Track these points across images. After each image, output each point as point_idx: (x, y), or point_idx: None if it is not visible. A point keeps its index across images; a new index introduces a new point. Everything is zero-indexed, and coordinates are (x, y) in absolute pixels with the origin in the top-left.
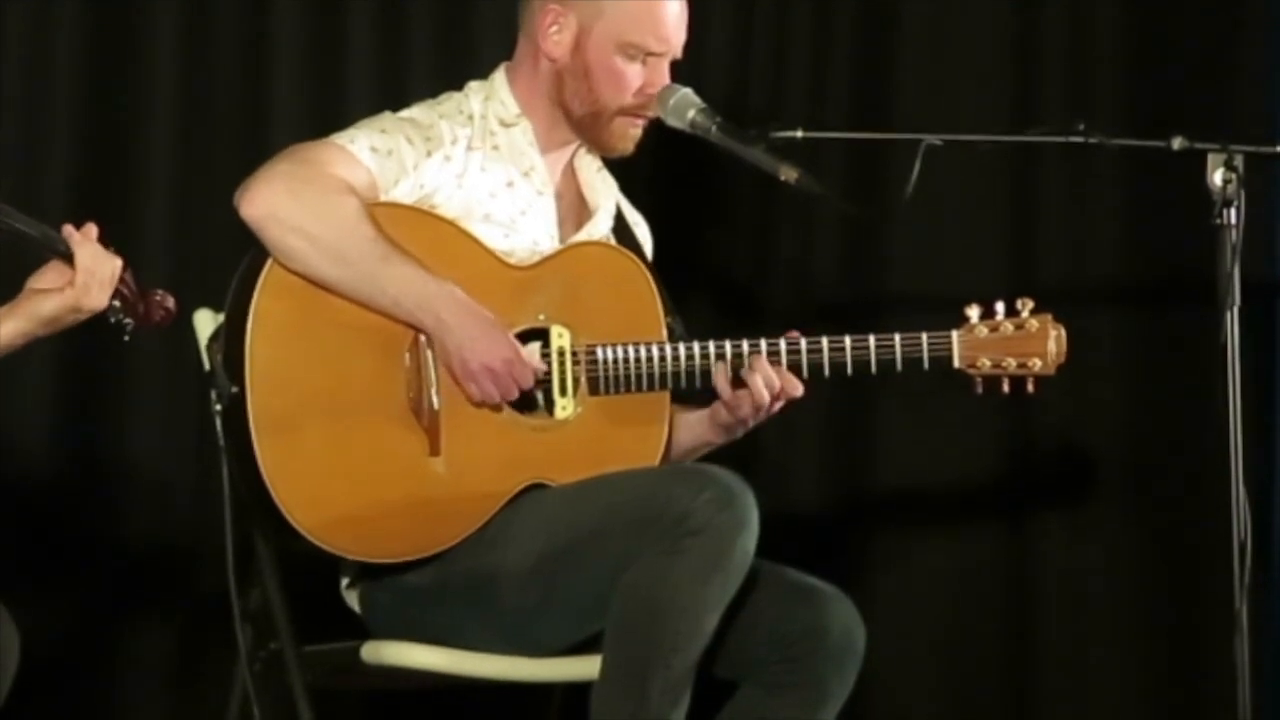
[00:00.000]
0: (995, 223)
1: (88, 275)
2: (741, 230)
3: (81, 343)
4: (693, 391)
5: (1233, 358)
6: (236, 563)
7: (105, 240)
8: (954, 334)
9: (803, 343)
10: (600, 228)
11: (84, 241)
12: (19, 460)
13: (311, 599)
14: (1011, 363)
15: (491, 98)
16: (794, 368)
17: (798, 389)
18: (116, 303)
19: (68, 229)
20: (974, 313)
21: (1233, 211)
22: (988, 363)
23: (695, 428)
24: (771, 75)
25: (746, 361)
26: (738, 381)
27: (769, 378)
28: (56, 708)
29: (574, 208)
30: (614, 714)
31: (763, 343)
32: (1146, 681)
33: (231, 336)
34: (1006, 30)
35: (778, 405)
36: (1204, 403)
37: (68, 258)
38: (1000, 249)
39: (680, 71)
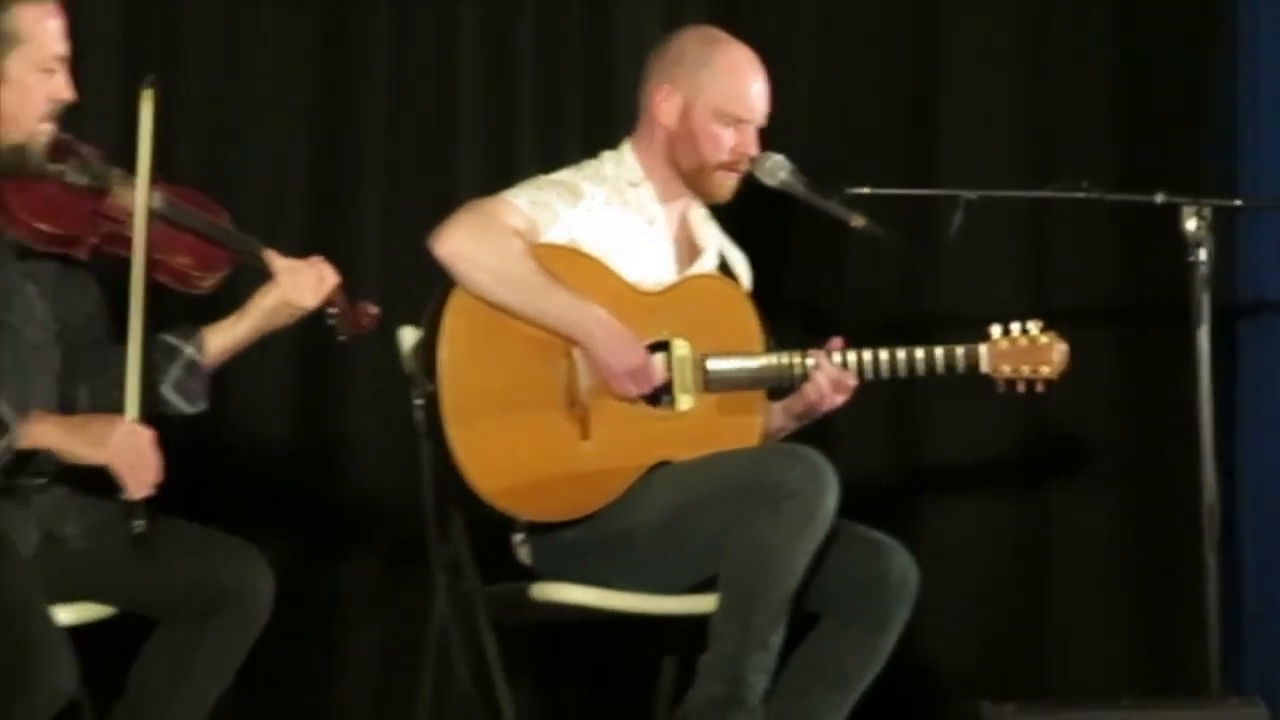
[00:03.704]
0: (1015, 258)
1: (288, 275)
2: (820, 264)
3: (313, 348)
4: (783, 390)
5: (1203, 365)
6: (434, 522)
7: (333, 263)
8: (982, 346)
9: (868, 353)
10: (708, 263)
11: (290, 261)
12: (265, 438)
13: (490, 552)
14: (1026, 369)
15: (621, 164)
16: (862, 371)
17: (851, 380)
18: (332, 310)
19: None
20: (997, 330)
21: (1202, 250)
22: (1008, 369)
23: (775, 417)
24: (843, 138)
25: (816, 363)
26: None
27: (828, 372)
28: (292, 634)
29: (687, 248)
30: (728, 638)
31: (823, 352)
32: (1135, 616)
33: (427, 347)
34: (1021, 102)
35: (840, 398)
36: (1181, 400)
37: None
38: (1019, 279)
39: (772, 137)
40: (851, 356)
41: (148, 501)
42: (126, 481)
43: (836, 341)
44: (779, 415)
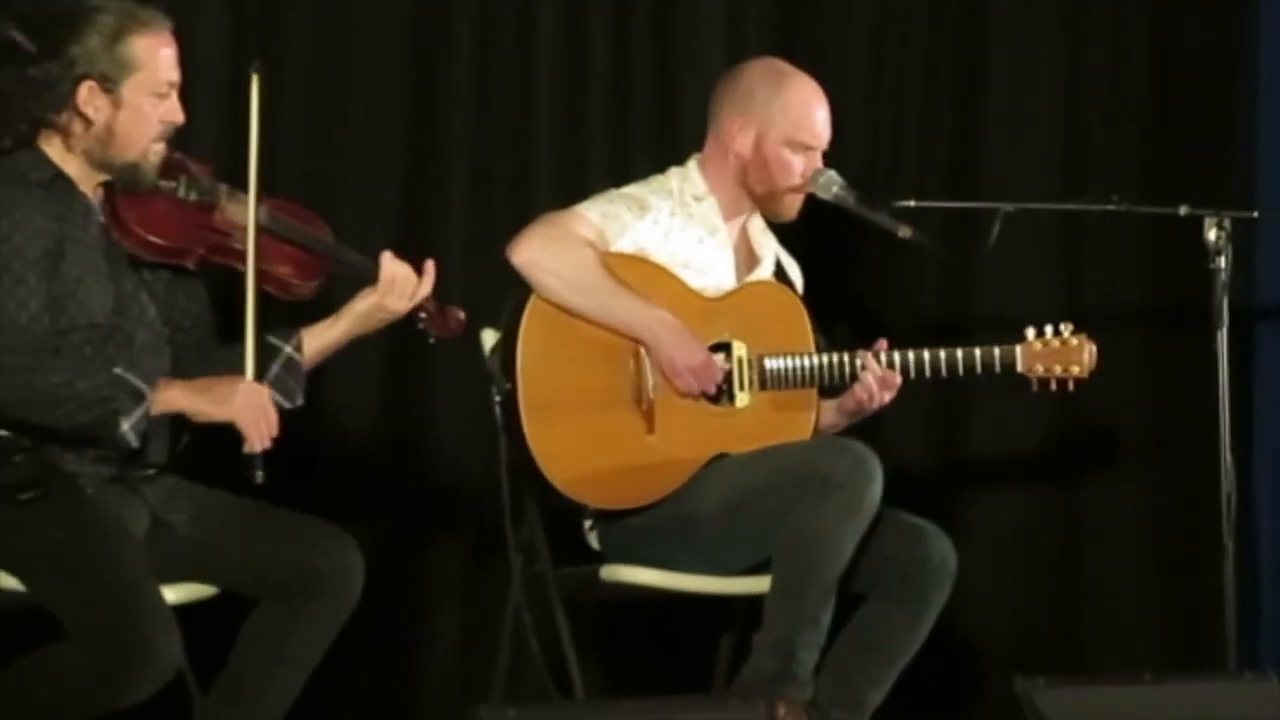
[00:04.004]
0: (1050, 265)
1: (388, 283)
2: (870, 271)
3: (402, 348)
4: (834, 388)
5: (1222, 363)
6: (510, 509)
7: (419, 272)
8: (1018, 347)
9: (912, 353)
10: (765, 271)
11: (389, 263)
12: (358, 432)
13: (562, 537)
14: (1058, 369)
15: (686, 180)
16: (906, 370)
17: (896, 379)
18: (423, 314)
19: (379, 260)
20: (1031, 332)
21: (1222, 259)
22: (1041, 369)
23: (828, 414)
24: (892, 153)
25: (863, 363)
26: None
27: (875, 371)
28: (381, 612)
29: (746, 258)
30: (781, 616)
31: (870, 353)
32: (1158, 598)
33: (506, 348)
34: (1058, 122)
35: (888, 395)
36: (1202, 395)
37: (376, 280)
38: (1054, 285)
39: (828, 149)
40: (896, 357)
41: (266, 454)
42: (248, 435)
43: (882, 343)
44: (832, 413)
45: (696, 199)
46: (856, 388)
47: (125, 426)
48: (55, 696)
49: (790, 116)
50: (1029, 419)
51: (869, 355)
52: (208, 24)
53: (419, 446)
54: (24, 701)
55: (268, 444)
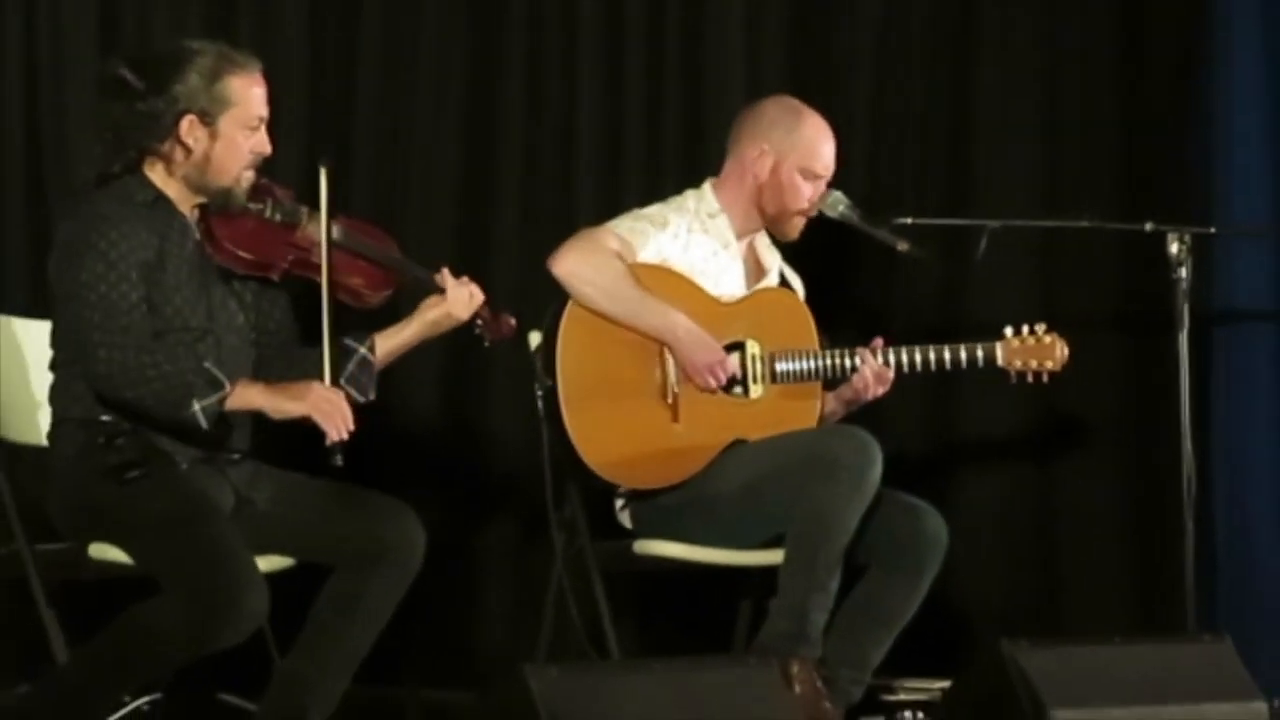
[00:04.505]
0: (1028, 272)
1: (454, 296)
2: (871, 279)
3: (461, 349)
4: (835, 381)
5: (1183, 362)
6: (553, 491)
7: (477, 282)
8: (998, 344)
9: (905, 350)
10: (771, 280)
11: (451, 279)
12: (421, 422)
13: (598, 515)
14: (1034, 363)
15: (701, 199)
16: (900, 365)
17: (889, 374)
18: (479, 321)
19: (441, 273)
20: (1010, 331)
21: (1183, 269)
22: (1018, 363)
23: (829, 403)
24: (890, 175)
25: (861, 359)
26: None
27: (871, 366)
28: (441, 578)
29: (754, 269)
30: (794, 584)
31: (867, 350)
32: (1127, 568)
33: (547, 349)
34: (1037, 148)
35: (881, 389)
36: (1165, 389)
37: (441, 290)
38: (1031, 289)
39: (835, 171)
40: (891, 354)
41: (343, 444)
42: (325, 426)
43: (878, 341)
44: (832, 402)
45: (710, 216)
46: (855, 379)
47: (196, 407)
48: (153, 644)
49: (804, 148)
50: (1012, 409)
51: (866, 352)
52: (284, 58)
53: (474, 435)
54: (123, 653)
55: (345, 435)
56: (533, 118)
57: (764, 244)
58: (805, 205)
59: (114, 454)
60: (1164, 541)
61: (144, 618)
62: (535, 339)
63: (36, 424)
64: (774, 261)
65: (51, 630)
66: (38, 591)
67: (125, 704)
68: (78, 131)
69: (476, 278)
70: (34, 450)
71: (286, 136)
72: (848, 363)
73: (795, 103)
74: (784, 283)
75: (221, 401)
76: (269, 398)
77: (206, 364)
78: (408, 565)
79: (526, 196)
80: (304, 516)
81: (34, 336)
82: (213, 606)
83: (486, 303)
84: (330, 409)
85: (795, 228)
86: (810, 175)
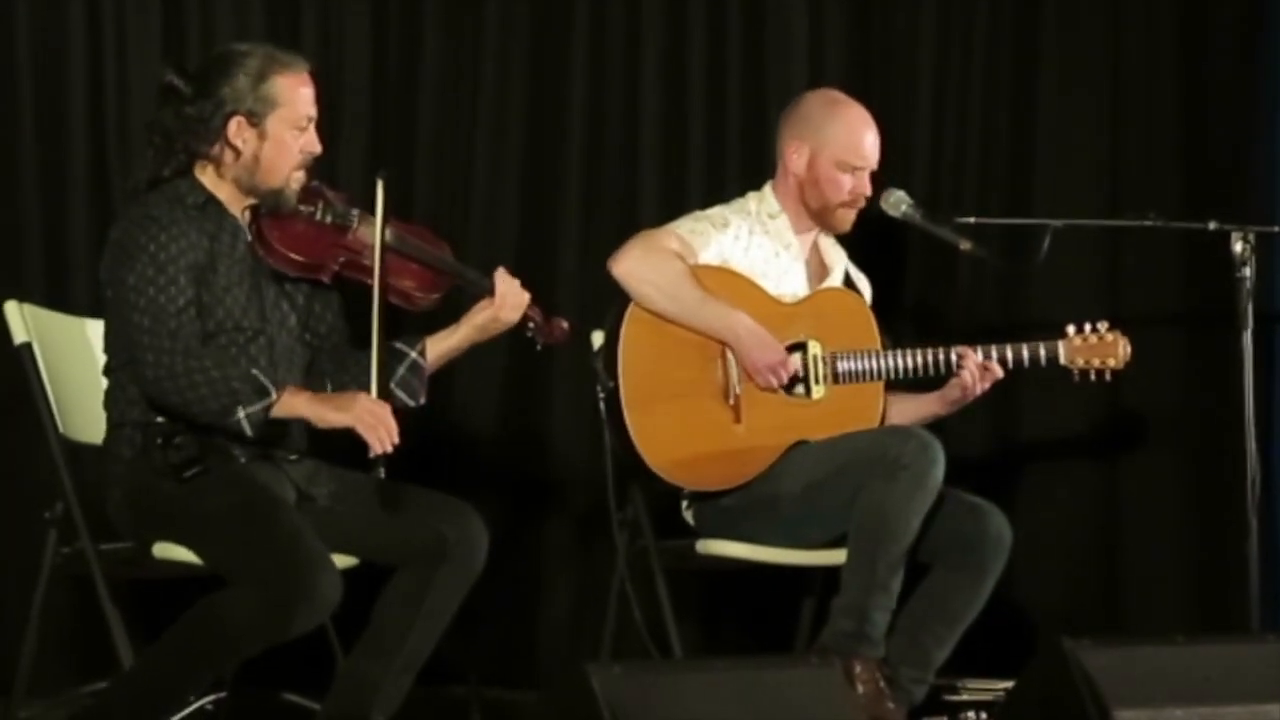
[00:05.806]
0: (1093, 271)
1: (502, 298)
2: (934, 279)
3: (522, 351)
4: (898, 381)
5: (1247, 361)
6: (615, 491)
7: (526, 286)
8: (1060, 343)
9: (980, 349)
10: (834, 281)
11: (501, 279)
12: (483, 423)
13: (662, 515)
14: (1096, 361)
15: (762, 201)
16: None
17: (999, 372)
18: (530, 324)
19: (498, 271)
20: (1072, 329)
21: (1247, 268)
22: (1081, 361)
23: (929, 405)
24: (956, 175)
25: (956, 360)
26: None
27: (974, 367)
28: (504, 578)
29: (817, 269)
30: (856, 584)
31: (959, 350)
32: (1191, 567)
33: (608, 350)
34: (1103, 146)
35: (986, 384)
36: (1228, 389)
37: (492, 293)
38: (1095, 288)
39: (898, 171)
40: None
41: (386, 456)
42: (368, 438)
43: (963, 349)
44: (934, 403)
45: (771, 217)
46: (964, 375)
47: (241, 414)
48: (228, 635)
49: (840, 140)
50: (1074, 408)
51: (965, 350)
52: (350, 63)
53: (536, 436)
54: (198, 646)
55: (388, 447)
56: (595, 118)
57: (828, 243)
58: (846, 197)
59: (173, 453)
60: (1227, 541)
61: (217, 609)
62: (598, 340)
63: (98, 425)
64: (839, 261)
65: (116, 630)
66: (102, 590)
67: (190, 703)
68: (140, 138)
69: (539, 280)
70: (93, 450)
71: (348, 144)
72: (942, 358)
73: (834, 94)
74: (849, 282)
75: (267, 410)
76: (314, 407)
77: (255, 371)
78: (471, 565)
79: (589, 199)
80: (366, 515)
81: (100, 338)
82: (287, 593)
83: (535, 304)
84: (374, 421)
85: (844, 220)
86: (847, 167)
